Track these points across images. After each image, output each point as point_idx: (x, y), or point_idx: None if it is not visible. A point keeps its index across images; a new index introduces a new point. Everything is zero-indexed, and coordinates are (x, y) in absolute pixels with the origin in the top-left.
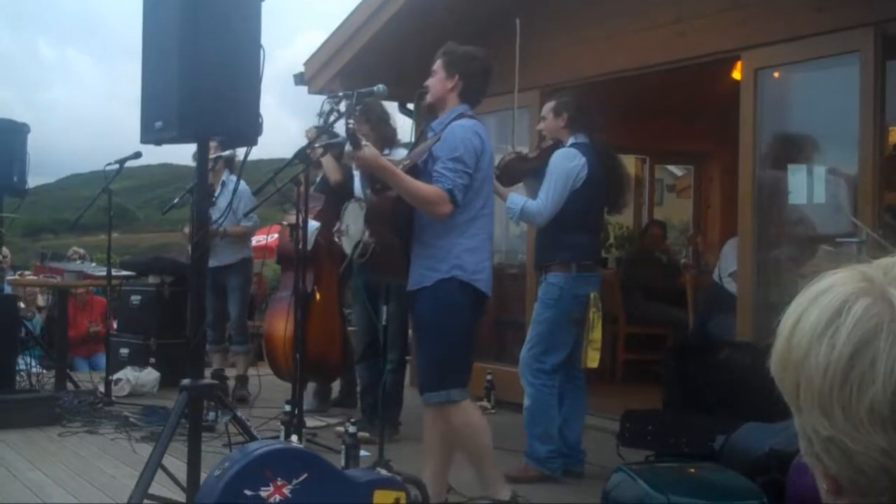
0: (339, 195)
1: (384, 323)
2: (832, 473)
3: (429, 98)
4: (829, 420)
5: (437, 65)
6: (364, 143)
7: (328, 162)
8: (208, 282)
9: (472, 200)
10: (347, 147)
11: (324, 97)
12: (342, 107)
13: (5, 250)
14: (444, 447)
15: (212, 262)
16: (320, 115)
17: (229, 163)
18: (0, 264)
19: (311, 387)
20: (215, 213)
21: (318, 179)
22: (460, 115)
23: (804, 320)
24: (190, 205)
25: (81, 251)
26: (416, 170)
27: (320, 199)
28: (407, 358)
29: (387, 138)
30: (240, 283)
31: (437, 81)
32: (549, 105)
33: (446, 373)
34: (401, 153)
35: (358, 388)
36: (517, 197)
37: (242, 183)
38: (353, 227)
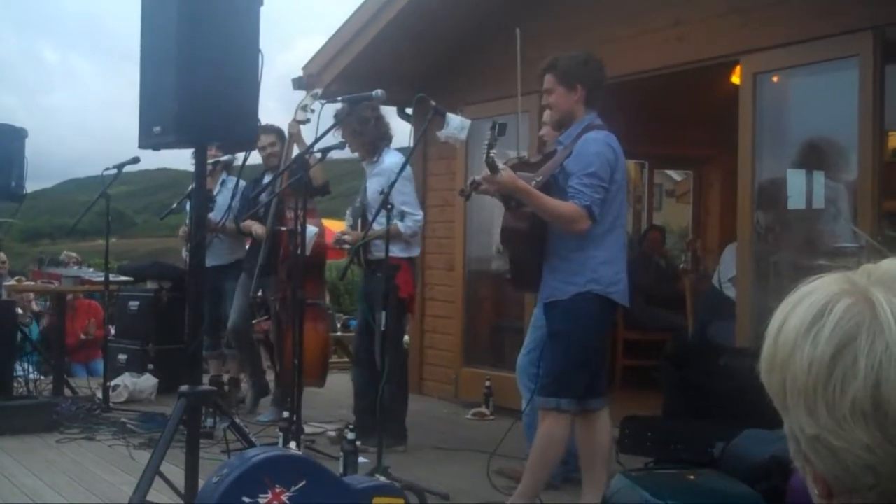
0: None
1: (382, 328)
2: (820, 474)
3: (554, 116)
4: (813, 418)
5: (550, 82)
6: (501, 166)
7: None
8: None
9: (606, 213)
10: (485, 171)
11: (322, 101)
12: (316, 104)
13: (2, 255)
14: (595, 454)
15: (207, 262)
16: (302, 108)
17: (228, 166)
18: None
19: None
20: (215, 212)
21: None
22: (589, 126)
23: (789, 321)
24: (187, 209)
25: (73, 255)
26: (548, 185)
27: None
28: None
29: (371, 145)
30: (236, 287)
31: (560, 98)
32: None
33: (564, 382)
34: (392, 157)
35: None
36: None
37: (242, 182)
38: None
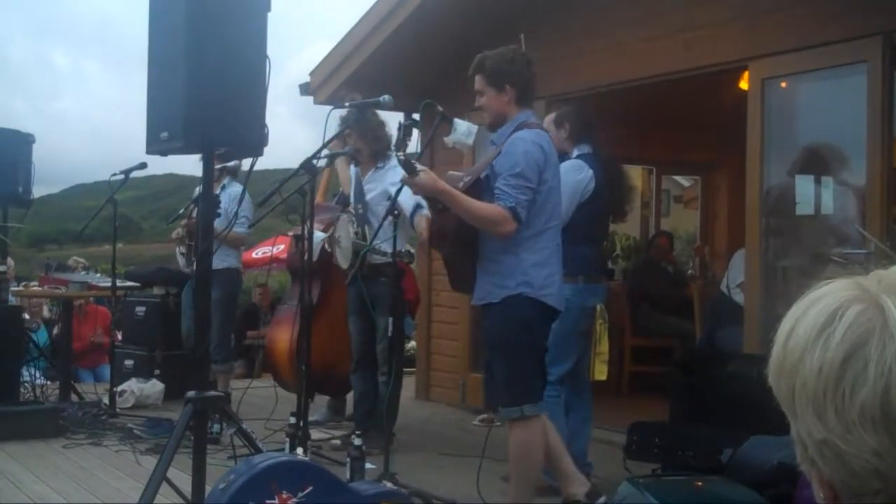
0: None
1: (390, 334)
2: (827, 479)
3: (488, 118)
4: (822, 422)
5: (480, 83)
6: (420, 168)
7: (343, 173)
8: (189, 288)
9: (536, 215)
10: (403, 175)
11: (329, 107)
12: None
13: (10, 261)
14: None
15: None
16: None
17: (234, 172)
18: (4, 275)
19: (326, 397)
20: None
21: (340, 190)
22: (521, 125)
23: (799, 326)
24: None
25: (81, 260)
26: (479, 185)
27: (335, 210)
28: (409, 369)
29: (381, 151)
30: (222, 295)
31: (491, 99)
32: (550, 117)
33: (519, 389)
34: (394, 164)
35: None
36: None
37: (241, 188)
38: (344, 239)
